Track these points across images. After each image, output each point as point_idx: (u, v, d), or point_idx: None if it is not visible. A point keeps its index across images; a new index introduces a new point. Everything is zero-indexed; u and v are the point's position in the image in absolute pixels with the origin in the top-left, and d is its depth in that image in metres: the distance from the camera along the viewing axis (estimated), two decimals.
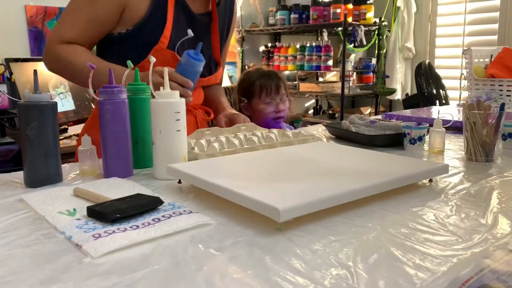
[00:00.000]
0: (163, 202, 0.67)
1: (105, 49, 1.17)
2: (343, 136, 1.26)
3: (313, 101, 4.32)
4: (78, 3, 1.11)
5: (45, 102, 0.80)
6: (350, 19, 3.44)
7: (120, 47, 1.15)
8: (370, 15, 3.60)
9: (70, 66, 1.10)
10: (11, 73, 2.55)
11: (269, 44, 4.02)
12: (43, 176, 0.82)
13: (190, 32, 1.04)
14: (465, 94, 2.92)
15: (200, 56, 1.06)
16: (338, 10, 3.46)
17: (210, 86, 1.38)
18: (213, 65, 1.30)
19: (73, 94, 2.81)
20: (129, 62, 0.89)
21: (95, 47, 1.21)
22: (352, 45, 3.59)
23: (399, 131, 1.18)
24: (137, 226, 0.60)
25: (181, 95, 0.90)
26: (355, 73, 4.00)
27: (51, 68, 1.15)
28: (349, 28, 3.47)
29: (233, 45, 3.82)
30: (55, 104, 0.82)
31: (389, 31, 3.82)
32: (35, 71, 0.82)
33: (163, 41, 1.13)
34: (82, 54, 1.11)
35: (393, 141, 1.16)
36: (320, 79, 4.24)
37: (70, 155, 0.92)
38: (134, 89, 0.93)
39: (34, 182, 0.81)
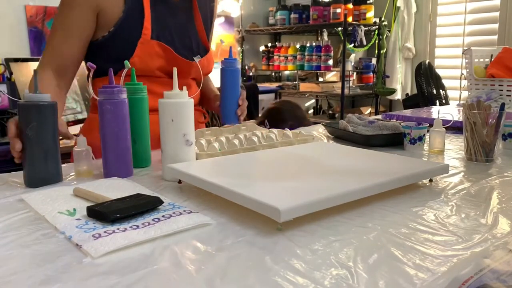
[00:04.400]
0: (163, 202, 0.67)
1: (93, 54, 1.17)
2: (340, 136, 1.27)
3: (313, 101, 4.32)
4: (53, 27, 1.11)
5: (45, 102, 0.80)
6: (350, 19, 3.44)
7: (107, 49, 1.15)
8: (370, 15, 3.60)
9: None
10: (11, 73, 2.55)
11: (269, 44, 4.03)
12: (42, 176, 0.82)
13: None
14: (465, 94, 2.92)
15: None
16: (338, 10, 3.47)
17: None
18: (201, 50, 1.30)
19: (73, 94, 2.81)
20: (127, 62, 0.89)
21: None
22: (352, 45, 3.59)
23: (396, 131, 1.18)
24: (137, 226, 0.60)
25: None
26: (355, 73, 4.00)
27: None
28: (349, 28, 3.47)
29: (233, 45, 3.82)
30: (55, 104, 0.82)
31: (389, 31, 3.82)
32: (35, 71, 0.82)
33: (145, 33, 1.13)
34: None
35: (390, 141, 1.16)
36: (320, 79, 4.25)
37: (70, 155, 0.92)
38: (131, 89, 0.93)
39: (34, 182, 0.81)
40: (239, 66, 1.23)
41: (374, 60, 3.90)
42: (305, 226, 0.61)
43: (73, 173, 0.90)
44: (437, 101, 3.38)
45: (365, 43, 3.54)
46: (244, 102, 1.23)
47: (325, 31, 3.93)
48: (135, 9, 1.13)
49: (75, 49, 1.13)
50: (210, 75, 1.43)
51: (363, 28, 3.49)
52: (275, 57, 3.90)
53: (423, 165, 0.82)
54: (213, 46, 1.39)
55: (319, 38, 4.12)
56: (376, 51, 3.71)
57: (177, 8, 1.23)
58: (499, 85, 1.73)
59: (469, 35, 3.57)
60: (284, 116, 1.92)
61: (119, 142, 0.85)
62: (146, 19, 1.13)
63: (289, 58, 3.79)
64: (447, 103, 3.43)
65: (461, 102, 2.52)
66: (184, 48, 1.23)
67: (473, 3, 3.51)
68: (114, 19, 1.12)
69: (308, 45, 3.68)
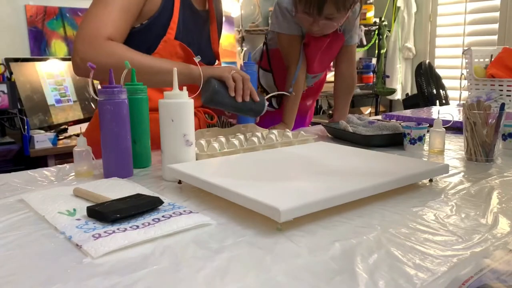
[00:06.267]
0: (163, 202, 0.67)
1: None
2: (340, 136, 1.27)
3: None
4: (105, 2, 1.04)
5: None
6: None
7: (133, 41, 1.14)
8: (370, 15, 3.61)
9: (131, 63, 0.97)
10: (11, 73, 2.55)
11: None
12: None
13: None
14: (465, 94, 2.92)
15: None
16: None
17: None
18: (212, 58, 1.35)
19: (73, 94, 2.81)
20: (127, 63, 0.89)
21: None
22: None
23: (396, 131, 1.18)
24: (137, 226, 0.60)
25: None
26: None
27: (95, 65, 0.99)
28: None
29: (233, 45, 3.82)
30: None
31: (389, 31, 3.82)
32: None
33: (170, 32, 1.16)
34: (137, 53, 1.06)
35: (390, 141, 1.16)
36: None
37: (70, 155, 0.92)
38: (131, 89, 0.93)
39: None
40: (255, 69, 1.28)
41: (374, 60, 3.90)
42: (305, 226, 0.61)
43: (73, 173, 0.90)
44: (437, 101, 3.38)
45: (365, 43, 3.54)
46: None
47: None
48: (167, 8, 1.16)
49: (126, 34, 1.09)
50: None
51: (363, 28, 3.49)
52: None
53: (423, 165, 0.82)
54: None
55: None
56: (376, 51, 3.71)
57: (199, 17, 1.27)
58: (499, 85, 1.73)
59: (469, 35, 3.57)
60: None
61: (119, 142, 0.85)
62: (173, 20, 1.16)
63: None
64: (447, 103, 3.43)
65: (461, 102, 2.52)
66: (200, 54, 1.25)
67: (473, 3, 3.51)
68: (152, 12, 1.14)
69: None
